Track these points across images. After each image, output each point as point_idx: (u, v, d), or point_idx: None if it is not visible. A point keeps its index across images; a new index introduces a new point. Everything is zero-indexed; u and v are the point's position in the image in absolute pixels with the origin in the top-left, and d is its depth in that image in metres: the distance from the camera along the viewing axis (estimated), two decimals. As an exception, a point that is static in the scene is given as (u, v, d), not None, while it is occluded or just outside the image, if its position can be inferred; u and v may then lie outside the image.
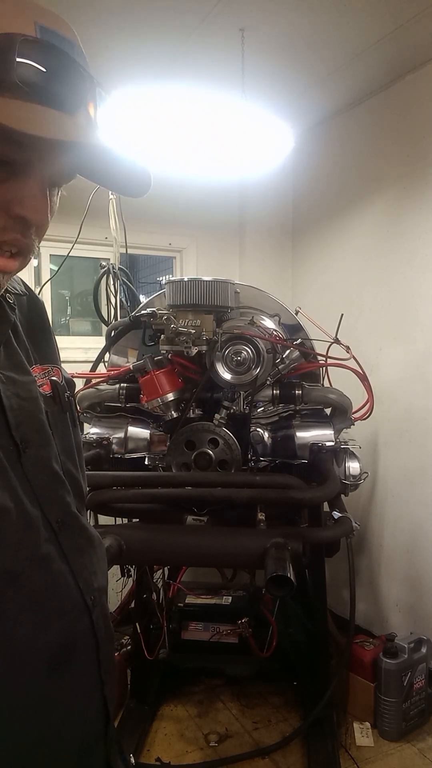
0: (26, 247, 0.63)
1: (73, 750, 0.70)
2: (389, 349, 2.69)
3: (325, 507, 1.97)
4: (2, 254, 0.61)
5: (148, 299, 2.34)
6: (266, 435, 2.03)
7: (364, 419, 2.14)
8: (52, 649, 0.65)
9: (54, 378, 0.77)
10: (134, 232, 2.79)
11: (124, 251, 2.71)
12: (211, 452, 1.93)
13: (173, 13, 2.09)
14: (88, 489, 0.86)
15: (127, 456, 2.01)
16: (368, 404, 2.08)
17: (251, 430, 2.02)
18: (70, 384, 0.83)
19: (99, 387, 2.13)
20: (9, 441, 0.65)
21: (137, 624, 2.28)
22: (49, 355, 0.80)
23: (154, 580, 2.39)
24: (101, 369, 2.29)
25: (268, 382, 2.02)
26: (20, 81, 0.53)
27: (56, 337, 0.87)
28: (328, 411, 2.08)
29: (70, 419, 0.79)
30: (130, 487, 1.86)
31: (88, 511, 1.81)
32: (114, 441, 2.01)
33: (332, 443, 1.94)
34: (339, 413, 2.04)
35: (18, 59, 0.53)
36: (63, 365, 0.84)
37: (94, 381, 2.16)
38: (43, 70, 0.54)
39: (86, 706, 0.72)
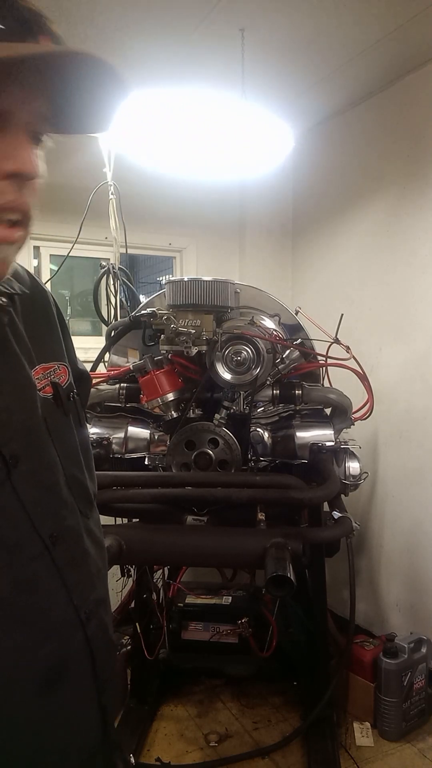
0: (25, 211, 0.59)
1: (74, 765, 0.69)
2: (389, 349, 2.69)
3: (325, 507, 1.97)
4: (1, 223, 0.57)
5: (148, 299, 2.34)
6: (266, 435, 2.03)
7: (364, 419, 2.14)
8: (42, 669, 0.64)
9: (56, 380, 0.74)
10: (134, 232, 2.79)
11: (124, 251, 2.71)
12: (211, 452, 1.92)
13: (173, 13, 2.09)
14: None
15: (127, 456, 2.01)
16: (368, 404, 2.08)
17: (251, 430, 2.02)
18: (83, 378, 0.79)
19: (99, 387, 2.13)
20: None
21: (137, 624, 2.28)
22: (54, 351, 0.77)
23: (154, 580, 2.38)
24: (101, 369, 2.29)
25: (268, 382, 2.02)
26: None
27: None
28: (328, 411, 2.08)
29: (75, 420, 0.77)
30: (130, 487, 1.86)
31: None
32: (114, 441, 2.01)
33: (332, 443, 1.94)
34: (339, 413, 2.04)
35: None
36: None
37: (94, 381, 2.16)
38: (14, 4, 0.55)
39: (82, 721, 0.71)
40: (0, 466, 0.63)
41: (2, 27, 0.51)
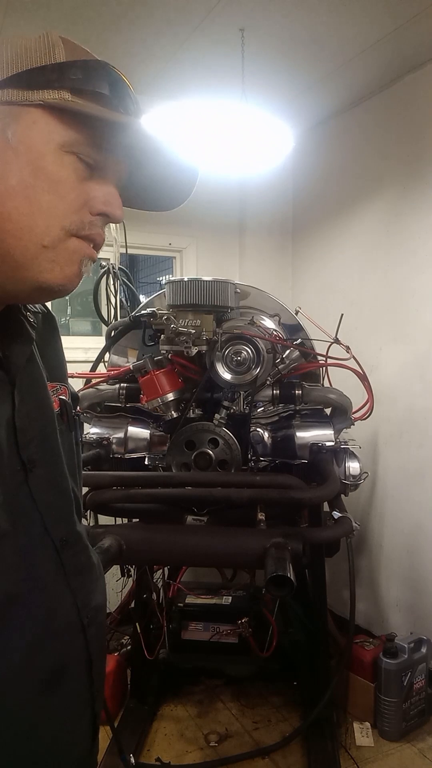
0: (101, 243, 0.68)
1: (71, 766, 0.71)
2: (389, 349, 2.69)
3: (325, 507, 1.97)
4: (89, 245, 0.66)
5: (148, 299, 2.34)
6: (266, 435, 2.02)
7: (364, 419, 2.14)
8: (47, 668, 0.66)
9: (62, 397, 0.78)
10: (134, 232, 2.79)
11: (124, 251, 2.71)
12: (211, 452, 1.92)
13: (173, 13, 2.09)
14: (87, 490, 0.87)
15: (127, 456, 2.01)
16: (368, 404, 2.08)
17: (251, 430, 2.02)
18: (75, 399, 0.84)
19: (99, 387, 2.13)
20: (17, 461, 0.66)
21: (137, 624, 2.28)
22: (58, 372, 0.81)
23: (154, 580, 2.39)
24: (101, 369, 2.29)
25: (268, 382, 2.02)
26: (108, 93, 0.63)
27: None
28: (328, 411, 2.08)
29: (74, 438, 0.80)
30: (130, 487, 1.86)
31: (88, 512, 1.83)
32: (114, 441, 2.01)
33: (332, 443, 1.94)
34: (339, 413, 2.04)
35: (104, 78, 0.63)
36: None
37: (94, 381, 2.16)
38: (126, 85, 0.66)
39: (77, 723, 0.73)
40: (19, 469, 0.66)
41: (107, 93, 0.63)
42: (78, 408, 0.84)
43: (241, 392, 1.96)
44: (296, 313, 2.23)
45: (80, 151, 0.62)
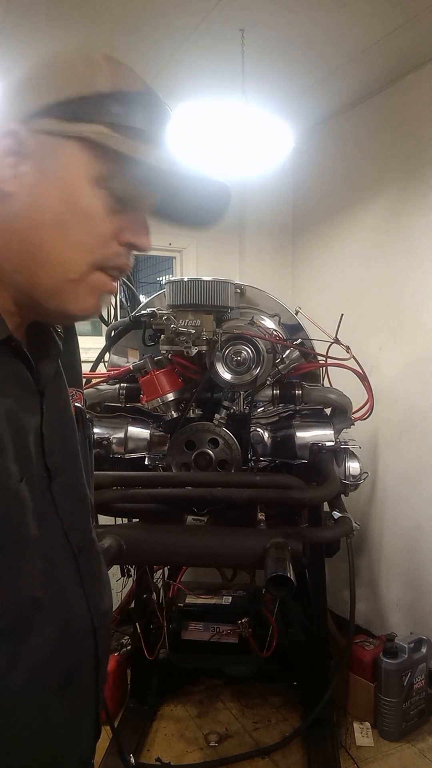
0: (126, 272, 0.70)
1: (74, 764, 0.74)
2: (389, 349, 2.69)
3: (325, 507, 1.97)
4: (110, 278, 0.68)
5: (148, 299, 2.34)
6: (266, 435, 2.02)
7: (364, 419, 2.14)
8: (63, 671, 0.68)
9: (77, 404, 0.80)
10: (134, 232, 2.78)
11: (124, 251, 2.70)
12: (211, 452, 1.92)
13: (173, 13, 2.09)
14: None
15: (127, 456, 2.01)
16: (368, 404, 2.08)
17: (251, 430, 2.02)
18: (85, 404, 0.86)
19: (99, 387, 2.13)
20: (43, 469, 0.68)
21: (137, 624, 2.28)
22: (75, 378, 0.83)
23: (154, 580, 2.38)
24: (101, 369, 2.29)
25: (268, 382, 2.02)
26: (146, 129, 0.64)
27: None
28: (328, 411, 2.08)
29: (88, 444, 0.82)
30: (130, 487, 1.86)
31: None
32: (114, 441, 2.01)
33: (332, 443, 1.94)
34: (339, 413, 2.04)
35: (143, 111, 0.64)
36: None
37: (94, 381, 2.16)
38: (164, 116, 0.67)
39: (84, 722, 0.75)
40: (44, 476, 0.68)
41: (145, 129, 0.63)
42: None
43: (241, 392, 1.96)
44: (296, 313, 2.23)
45: (113, 185, 0.63)
